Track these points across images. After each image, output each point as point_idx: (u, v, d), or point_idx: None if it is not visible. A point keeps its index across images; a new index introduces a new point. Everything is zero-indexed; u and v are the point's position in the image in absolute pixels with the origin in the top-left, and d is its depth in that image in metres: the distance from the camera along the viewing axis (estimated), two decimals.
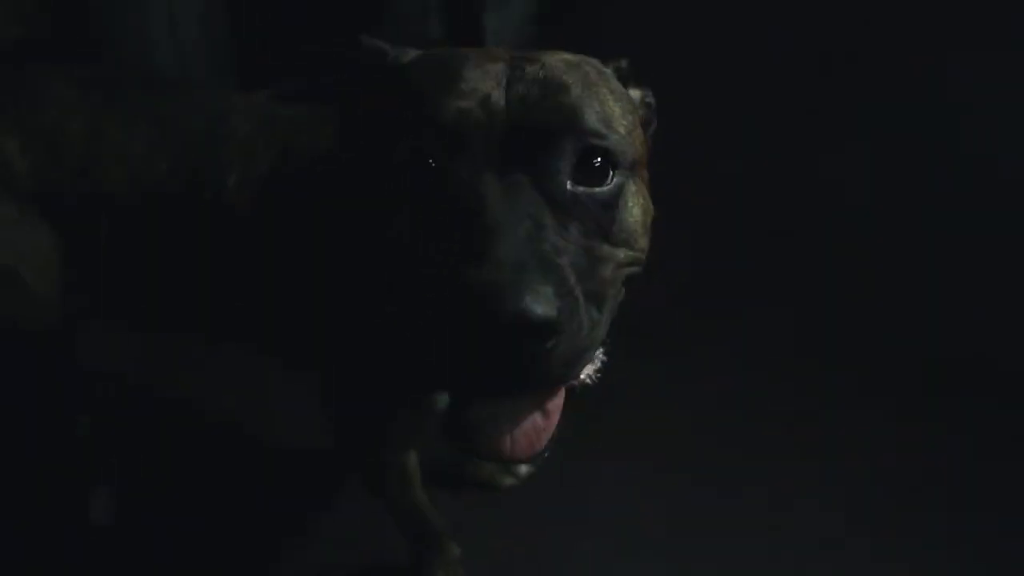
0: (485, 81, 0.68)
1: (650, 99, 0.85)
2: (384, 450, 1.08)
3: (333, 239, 0.89)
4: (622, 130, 0.71)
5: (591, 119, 0.68)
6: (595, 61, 0.78)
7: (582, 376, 0.70)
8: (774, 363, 1.74)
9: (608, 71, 0.78)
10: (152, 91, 1.10)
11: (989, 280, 1.93)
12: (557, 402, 0.68)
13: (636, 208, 0.72)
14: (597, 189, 0.68)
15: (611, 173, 0.69)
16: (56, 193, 1.04)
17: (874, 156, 2.39)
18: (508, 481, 1.46)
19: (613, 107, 0.72)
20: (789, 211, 2.18)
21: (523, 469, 1.46)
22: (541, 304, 0.55)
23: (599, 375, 0.73)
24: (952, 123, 2.38)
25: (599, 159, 0.68)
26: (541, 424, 0.66)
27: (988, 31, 2.63)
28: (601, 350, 0.73)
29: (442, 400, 0.93)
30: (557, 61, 0.72)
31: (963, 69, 2.50)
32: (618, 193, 0.69)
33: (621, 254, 0.69)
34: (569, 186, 0.66)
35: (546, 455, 0.68)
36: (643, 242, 0.74)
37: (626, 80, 0.81)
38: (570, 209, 0.66)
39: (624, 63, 0.81)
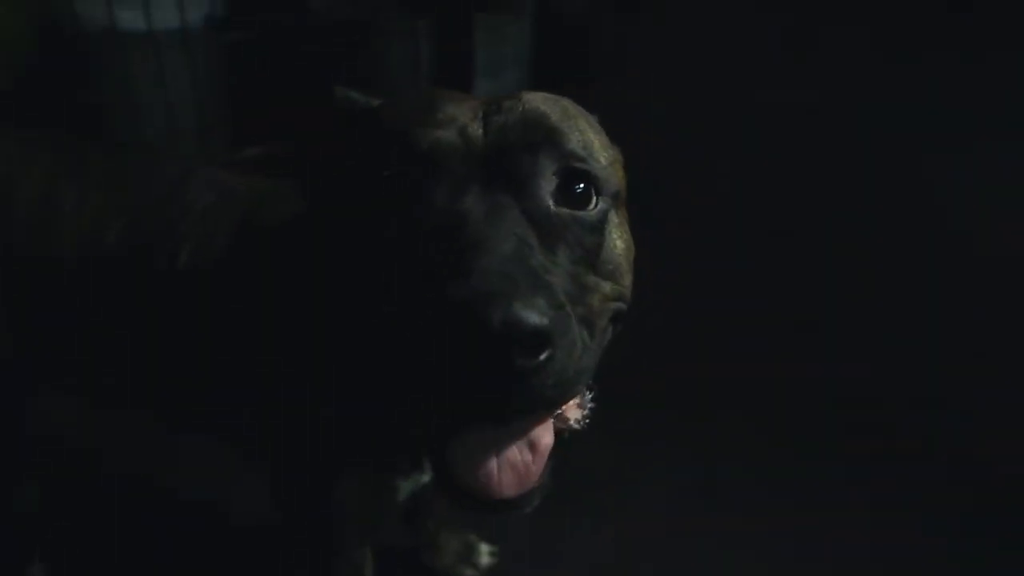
0: (462, 113, 0.67)
1: (617, 152, 0.84)
2: (336, 541, 1.01)
3: (292, 310, 0.84)
4: (603, 160, 0.70)
5: (572, 143, 0.66)
6: (570, 101, 0.76)
7: (571, 421, 0.67)
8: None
9: (583, 111, 0.76)
10: (108, 156, 1.06)
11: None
12: (546, 440, 0.63)
13: (619, 241, 0.70)
14: (581, 212, 0.65)
15: (595, 198, 0.67)
16: (2, 255, 1.00)
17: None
18: (468, 573, 1.37)
19: (593, 137, 0.71)
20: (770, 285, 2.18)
21: (484, 559, 1.38)
22: (532, 311, 0.52)
23: (587, 420, 0.69)
24: (934, 210, 2.41)
25: (582, 183, 0.66)
26: (529, 459, 0.62)
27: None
28: (590, 395, 0.70)
29: (403, 488, 0.89)
30: (534, 95, 0.71)
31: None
32: (603, 219, 0.67)
33: (607, 287, 0.67)
34: (552, 207, 0.64)
35: (535, 502, 0.62)
36: (628, 278, 0.72)
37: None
38: (555, 231, 0.63)
39: (595, 119, 0.79)
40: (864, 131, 3.17)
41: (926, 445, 1.61)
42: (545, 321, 0.52)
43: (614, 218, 0.70)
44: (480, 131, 0.65)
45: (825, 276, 2.20)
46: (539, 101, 0.69)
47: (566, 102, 0.73)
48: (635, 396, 1.74)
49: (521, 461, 0.61)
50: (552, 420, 0.65)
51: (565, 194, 0.65)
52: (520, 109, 0.67)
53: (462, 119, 0.66)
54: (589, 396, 0.70)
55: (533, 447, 0.62)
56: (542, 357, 0.53)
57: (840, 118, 3.28)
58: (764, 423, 1.68)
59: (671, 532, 1.44)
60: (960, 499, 1.50)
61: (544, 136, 0.65)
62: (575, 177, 0.66)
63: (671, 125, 3.25)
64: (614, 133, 0.79)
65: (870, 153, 3.00)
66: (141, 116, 2.39)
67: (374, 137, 0.69)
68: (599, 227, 0.67)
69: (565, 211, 0.65)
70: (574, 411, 0.68)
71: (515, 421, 0.60)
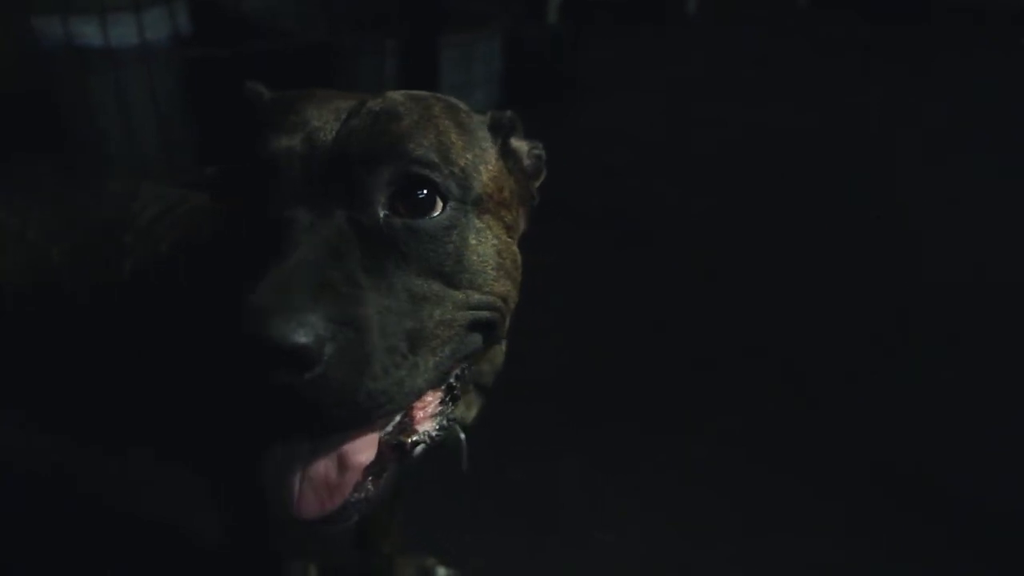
0: (321, 116, 0.65)
1: (539, 151, 0.83)
2: (280, 553, 0.98)
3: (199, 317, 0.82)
4: (462, 162, 0.67)
5: (418, 148, 0.64)
6: (453, 100, 0.74)
7: (418, 434, 0.65)
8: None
9: (464, 109, 0.74)
10: (53, 179, 1.05)
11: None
12: (360, 458, 0.60)
13: (483, 247, 0.67)
14: (419, 221, 0.63)
15: (440, 204, 0.64)
16: None
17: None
18: None
19: (454, 140, 0.68)
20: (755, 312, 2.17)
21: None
22: (295, 328, 0.50)
23: (441, 434, 0.67)
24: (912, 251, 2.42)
25: (424, 190, 0.63)
26: (335, 479, 0.59)
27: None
28: (451, 406, 0.69)
29: None
30: (401, 95, 0.69)
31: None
32: (449, 226, 0.64)
33: (461, 295, 0.64)
34: (383, 217, 0.62)
35: (349, 522, 0.60)
36: (499, 286, 0.68)
37: (508, 131, 0.77)
38: (387, 242, 0.61)
39: (509, 114, 0.78)
40: (837, 147, 3.23)
41: (903, 461, 1.61)
42: (305, 339, 0.50)
43: (475, 223, 0.67)
44: (331, 136, 0.63)
45: (802, 290, 2.22)
46: (399, 101, 0.67)
47: (433, 100, 0.71)
48: (606, 412, 1.74)
49: (325, 479, 0.59)
50: (386, 435, 0.63)
51: (405, 202, 0.63)
52: (377, 110, 0.65)
53: (315, 123, 0.64)
54: (451, 408, 0.68)
55: (343, 464, 0.60)
56: (308, 375, 0.51)
57: (812, 132, 3.33)
58: (740, 441, 1.67)
59: (642, 552, 1.41)
60: (935, 514, 1.49)
61: (388, 141, 0.63)
62: (416, 184, 0.63)
63: (642, 140, 3.29)
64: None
65: (842, 168, 3.05)
66: (101, 134, 2.36)
67: (246, 137, 0.68)
68: (444, 235, 0.64)
69: (399, 221, 0.62)
70: (426, 423, 0.66)
71: (321, 437, 0.59)
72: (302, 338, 0.50)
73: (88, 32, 2.19)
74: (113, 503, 1.49)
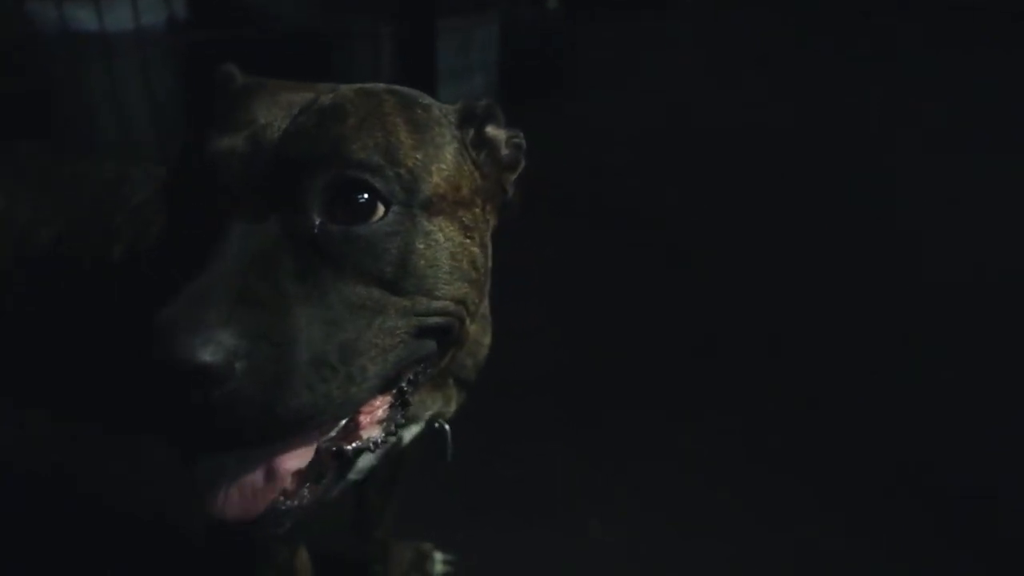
0: (270, 112, 0.62)
1: (519, 140, 0.79)
2: (270, 543, 0.97)
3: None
4: (409, 163, 0.63)
5: (361, 150, 0.60)
6: (412, 94, 0.70)
7: (361, 440, 0.63)
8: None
9: (423, 104, 0.70)
10: (44, 159, 1.04)
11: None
12: (287, 464, 0.59)
13: (432, 250, 0.63)
14: (356, 227, 0.59)
15: (379, 209, 0.60)
16: None
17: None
18: None
19: (404, 139, 0.64)
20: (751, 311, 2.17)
21: (438, 568, 1.34)
22: (197, 347, 0.49)
23: (390, 439, 0.66)
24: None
25: (364, 194, 0.60)
26: (259, 483, 0.58)
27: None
28: (401, 412, 0.67)
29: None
30: (351, 90, 0.66)
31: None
32: (391, 232, 0.61)
33: (407, 302, 0.61)
34: (318, 223, 0.59)
35: (280, 528, 0.59)
36: (452, 290, 0.65)
37: (482, 121, 0.74)
38: (321, 249, 0.58)
39: (483, 103, 0.74)
40: (837, 146, 3.22)
41: (904, 460, 1.60)
42: (211, 357, 0.50)
43: (424, 225, 0.63)
44: (277, 135, 0.61)
45: (801, 289, 2.21)
46: (348, 98, 0.64)
47: (386, 96, 0.67)
48: (604, 407, 1.74)
49: (252, 483, 0.58)
50: (321, 442, 0.62)
51: (344, 207, 0.59)
52: (326, 106, 0.63)
53: (262, 120, 0.61)
54: (401, 414, 0.67)
55: (270, 470, 0.59)
56: (218, 392, 0.51)
57: (812, 131, 3.32)
58: (738, 437, 1.66)
59: (638, 540, 1.42)
60: (935, 512, 1.48)
61: (328, 143, 0.60)
62: (354, 188, 0.60)
63: (641, 130, 3.28)
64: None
65: (842, 167, 3.04)
66: (95, 118, 2.35)
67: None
68: (383, 240, 0.60)
69: (336, 228, 0.59)
70: (371, 429, 0.65)
71: (248, 447, 0.58)
72: (207, 356, 0.49)
73: (83, 17, 2.18)
74: (113, 503, 1.48)
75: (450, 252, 0.65)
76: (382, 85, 0.69)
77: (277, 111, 0.62)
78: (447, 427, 0.84)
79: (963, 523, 1.45)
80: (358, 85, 0.67)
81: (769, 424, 1.69)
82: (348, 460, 0.63)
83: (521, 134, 0.79)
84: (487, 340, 0.91)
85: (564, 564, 1.36)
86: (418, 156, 0.64)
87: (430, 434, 0.88)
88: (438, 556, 1.36)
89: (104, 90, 2.27)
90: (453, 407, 0.90)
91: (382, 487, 1.22)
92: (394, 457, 0.67)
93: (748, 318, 2.07)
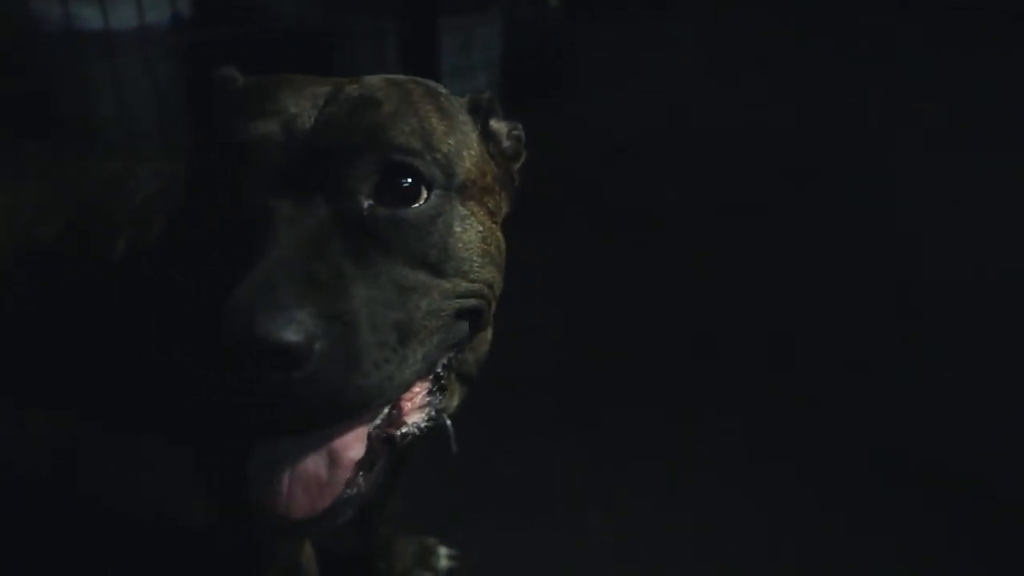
0: (298, 103, 0.63)
1: (518, 132, 0.81)
2: (271, 532, 0.97)
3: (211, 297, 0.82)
4: (444, 148, 0.65)
5: (400, 135, 0.62)
6: (432, 84, 0.72)
7: (407, 426, 0.64)
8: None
9: (444, 93, 0.72)
10: (46, 158, 1.04)
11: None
12: (350, 453, 0.59)
13: (468, 234, 0.65)
14: (403, 210, 0.61)
15: (424, 193, 0.62)
16: None
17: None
18: None
19: (436, 125, 0.66)
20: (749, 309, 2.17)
21: (442, 563, 1.35)
22: (281, 326, 0.49)
23: (429, 424, 0.66)
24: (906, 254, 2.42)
25: (408, 178, 0.61)
26: (325, 476, 0.58)
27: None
28: (439, 396, 0.67)
29: None
30: (378, 80, 0.67)
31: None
32: (434, 215, 0.62)
33: (448, 284, 0.63)
34: (367, 207, 0.60)
35: (340, 520, 0.59)
36: (485, 273, 0.67)
37: (487, 113, 0.76)
38: (371, 232, 0.59)
39: (487, 95, 0.76)
40: (837, 146, 3.22)
41: (904, 459, 1.60)
42: (295, 337, 0.49)
43: (459, 210, 0.65)
44: (310, 123, 0.61)
45: (801, 289, 2.21)
46: (377, 87, 0.65)
47: (412, 85, 0.68)
48: (605, 405, 1.74)
49: (315, 477, 0.57)
50: (371, 429, 0.62)
51: (389, 191, 0.61)
52: (355, 96, 0.63)
53: (293, 109, 0.62)
54: (440, 398, 0.67)
55: (334, 461, 0.58)
56: (299, 373, 0.50)
57: (812, 131, 3.32)
58: (739, 436, 1.66)
59: (638, 540, 1.42)
60: (935, 510, 1.48)
61: (369, 129, 0.61)
62: (399, 172, 0.61)
63: (641, 129, 3.28)
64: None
65: (842, 167, 3.03)
66: (97, 116, 2.35)
67: (221, 127, 0.65)
68: (427, 224, 0.62)
69: (384, 211, 0.60)
70: (414, 415, 0.65)
71: (308, 432, 0.57)
72: (291, 336, 0.49)
73: (87, 15, 2.18)
74: (113, 503, 1.48)
75: (482, 236, 0.67)
76: (402, 76, 0.70)
77: (304, 101, 0.63)
78: (449, 422, 0.85)
79: (963, 523, 1.45)
80: (380, 75, 0.69)
81: (769, 424, 1.70)
82: (396, 447, 0.63)
83: (520, 125, 0.81)
84: (488, 335, 0.91)
85: (564, 563, 1.37)
86: (450, 142, 0.66)
87: (432, 430, 0.89)
88: (442, 551, 1.36)
89: (107, 88, 2.27)
90: (456, 402, 0.91)
91: (385, 483, 1.22)
92: (396, 453, 0.66)
93: (748, 318, 2.07)
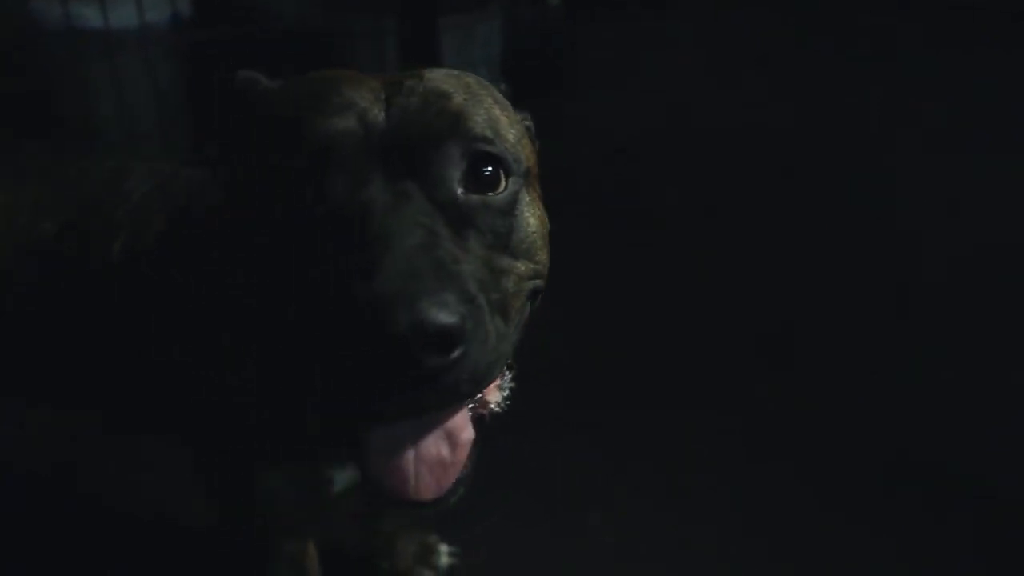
0: (362, 97, 0.63)
1: (528, 122, 0.83)
2: (273, 532, 0.98)
3: (211, 302, 0.81)
4: (511, 137, 0.68)
5: (478, 125, 0.64)
6: (476, 76, 0.74)
7: (491, 405, 0.66)
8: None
9: (492, 86, 0.75)
10: (45, 157, 1.05)
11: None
12: (465, 434, 0.61)
13: (532, 219, 0.69)
14: (491, 196, 0.64)
15: (503, 179, 0.65)
16: None
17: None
18: (427, 574, 1.34)
19: (499, 115, 0.69)
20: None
21: (443, 560, 1.35)
22: (442, 310, 0.50)
23: (508, 402, 0.68)
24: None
25: (490, 166, 0.64)
26: (448, 457, 0.59)
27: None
28: (509, 375, 0.69)
29: (338, 480, 0.86)
30: (437, 73, 0.69)
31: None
32: (514, 200, 0.66)
33: (522, 266, 0.66)
34: (461, 193, 0.62)
35: (454, 500, 0.60)
36: (543, 255, 0.71)
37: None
38: (465, 217, 0.62)
39: (503, 86, 0.78)
40: (837, 146, 3.21)
41: (904, 458, 1.60)
42: (454, 319, 0.51)
43: (525, 196, 0.69)
44: (382, 115, 0.62)
45: (802, 288, 2.21)
46: (441, 80, 0.67)
47: (470, 78, 0.71)
48: (608, 403, 1.74)
49: (439, 458, 0.59)
50: (470, 409, 0.63)
51: (474, 178, 0.63)
52: (421, 90, 0.65)
53: (362, 103, 0.63)
54: (509, 377, 0.69)
55: (453, 442, 0.60)
56: (454, 355, 0.52)
57: (812, 131, 3.32)
58: (738, 430, 1.67)
59: (638, 540, 1.42)
60: (935, 510, 1.48)
61: (449, 119, 0.63)
62: (482, 160, 0.64)
63: (642, 128, 3.28)
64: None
65: (842, 167, 3.03)
66: (97, 115, 2.35)
67: (265, 123, 0.66)
68: (510, 209, 0.65)
69: (475, 197, 0.63)
70: (493, 394, 0.67)
71: (429, 417, 0.59)
72: (452, 318, 0.51)
73: (87, 14, 2.18)
74: (113, 503, 1.49)
75: (540, 220, 0.71)
76: (452, 69, 0.72)
77: (368, 94, 0.64)
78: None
79: (963, 523, 1.45)
80: (439, 68, 0.70)
81: (769, 424, 1.70)
82: (485, 426, 0.65)
83: (528, 115, 0.83)
84: None
85: (564, 563, 1.37)
86: (513, 131, 0.69)
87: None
88: (443, 548, 1.36)
89: (107, 88, 2.27)
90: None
91: None
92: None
93: (748, 318, 2.07)
